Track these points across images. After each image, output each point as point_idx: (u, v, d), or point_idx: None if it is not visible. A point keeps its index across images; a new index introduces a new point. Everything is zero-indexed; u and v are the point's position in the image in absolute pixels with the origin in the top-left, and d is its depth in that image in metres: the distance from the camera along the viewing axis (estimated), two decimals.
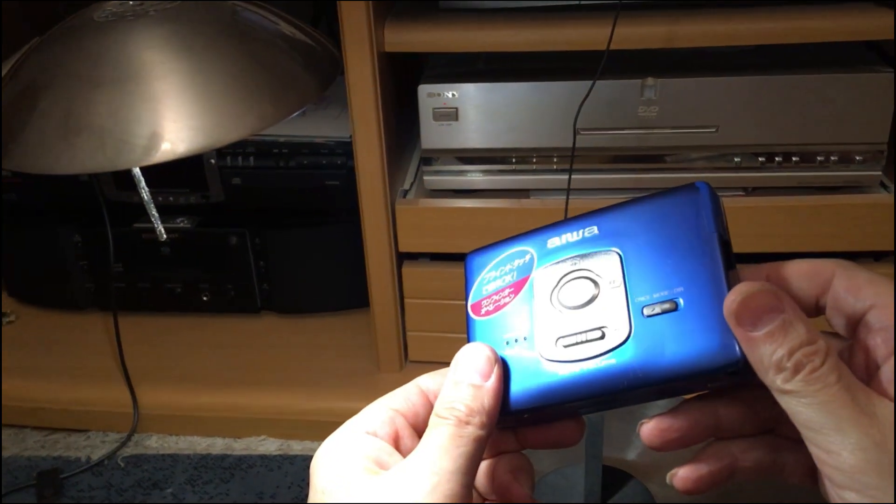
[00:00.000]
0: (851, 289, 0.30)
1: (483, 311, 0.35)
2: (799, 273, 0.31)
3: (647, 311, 0.31)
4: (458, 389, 0.31)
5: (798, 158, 0.91)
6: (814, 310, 0.32)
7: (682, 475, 0.33)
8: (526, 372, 0.33)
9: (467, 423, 0.30)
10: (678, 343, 0.30)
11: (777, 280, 0.32)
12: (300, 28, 0.47)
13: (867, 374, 0.29)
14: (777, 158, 0.92)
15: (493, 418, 0.31)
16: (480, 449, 0.30)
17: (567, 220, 0.35)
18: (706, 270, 0.31)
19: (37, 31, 1.16)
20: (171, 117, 0.38)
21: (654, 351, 0.30)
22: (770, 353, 0.27)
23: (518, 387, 0.33)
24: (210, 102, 0.39)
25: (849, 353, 0.30)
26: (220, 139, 0.38)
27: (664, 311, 0.31)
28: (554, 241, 0.35)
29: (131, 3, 0.42)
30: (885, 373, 0.28)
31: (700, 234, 0.31)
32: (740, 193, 0.94)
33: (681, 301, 0.31)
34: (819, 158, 0.91)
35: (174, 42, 0.40)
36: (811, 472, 0.32)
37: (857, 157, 0.90)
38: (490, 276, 0.36)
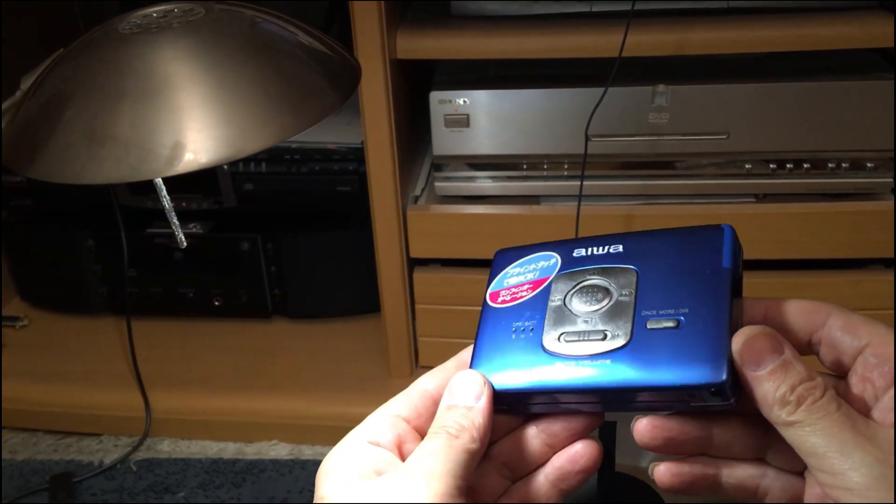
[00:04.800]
0: (848, 328, 0.32)
1: (500, 300, 0.38)
2: (797, 311, 0.34)
3: (649, 325, 0.33)
4: (449, 412, 0.33)
5: (809, 165, 0.91)
6: (806, 347, 0.34)
7: (662, 468, 0.35)
8: (525, 359, 0.35)
9: (457, 437, 0.32)
10: (671, 356, 0.32)
11: (776, 315, 0.34)
12: (319, 38, 0.47)
13: (865, 406, 0.31)
14: (788, 165, 0.92)
15: (485, 435, 0.33)
16: (472, 460, 0.32)
17: (596, 236, 0.38)
18: (712, 299, 0.33)
19: (43, 34, 1.17)
20: (195, 128, 0.39)
21: (647, 359, 0.33)
22: (774, 389, 0.30)
23: (515, 371, 0.35)
24: (232, 113, 0.39)
25: (845, 388, 0.32)
26: (242, 150, 0.39)
27: (665, 328, 0.33)
28: (579, 252, 0.37)
29: (155, 15, 0.43)
30: (884, 404, 0.30)
31: (715, 268, 0.34)
32: (751, 200, 0.94)
33: (683, 321, 0.33)
34: (830, 165, 0.91)
35: (197, 54, 0.40)
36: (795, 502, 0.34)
37: (868, 164, 0.90)
38: (514, 271, 0.38)
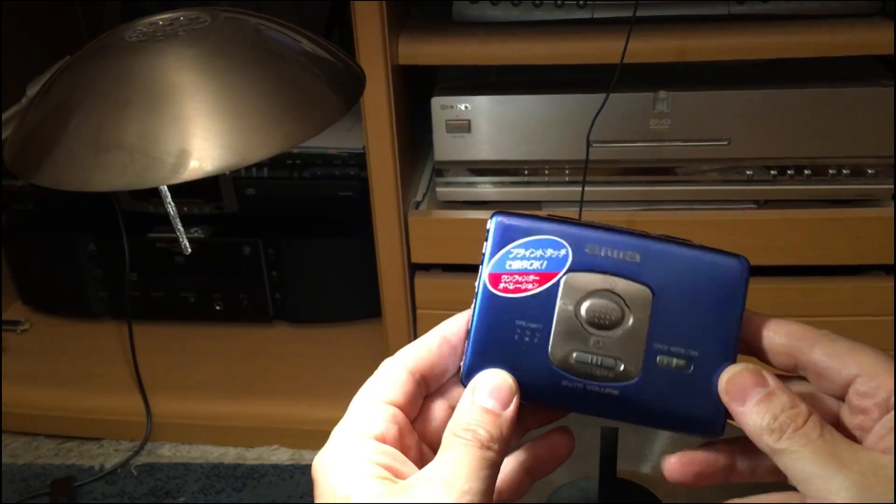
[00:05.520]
0: (835, 356, 0.33)
1: (501, 287, 0.35)
2: (784, 333, 0.34)
3: (660, 360, 0.34)
4: (475, 412, 0.32)
5: (810, 171, 0.92)
6: (792, 370, 0.34)
7: (672, 461, 0.35)
8: (531, 366, 0.34)
9: (488, 448, 0.31)
10: (677, 401, 0.34)
11: (763, 337, 0.35)
12: (323, 45, 0.48)
13: (861, 435, 0.32)
14: (789, 171, 0.92)
15: (508, 446, 0.32)
16: (497, 474, 0.32)
17: (610, 231, 0.36)
18: (723, 346, 0.34)
19: (45, 40, 1.17)
20: (200, 136, 0.39)
21: (654, 398, 0.34)
22: (759, 420, 0.31)
23: (518, 377, 0.34)
24: (238, 121, 0.40)
25: (847, 412, 0.33)
26: (247, 158, 0.39)
27: (675, 367, 0.34)
28: (593, 249, 0.35)
29: (161, 23, 0.43)
30: (876, 431, 0.31)
31: (729, 310, 0.34)
32: (752, 206, 0.94)
33: (692, 365, 0.34)
34: (831, 171, 0.91)
35: (203, 62, 0.40)
36: None
37: (869, 171, 0.91)
38: (517, 252, 0.36)
